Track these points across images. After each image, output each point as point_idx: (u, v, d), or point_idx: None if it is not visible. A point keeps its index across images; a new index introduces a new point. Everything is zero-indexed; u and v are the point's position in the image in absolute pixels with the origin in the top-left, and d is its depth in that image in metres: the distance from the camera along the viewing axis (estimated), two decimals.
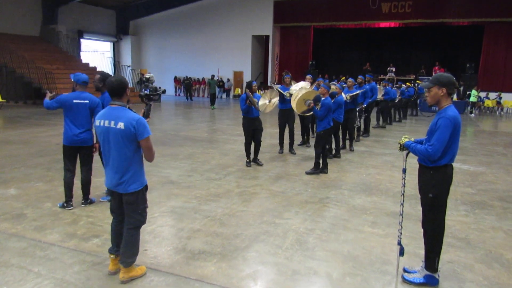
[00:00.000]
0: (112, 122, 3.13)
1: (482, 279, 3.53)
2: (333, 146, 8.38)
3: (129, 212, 3.30)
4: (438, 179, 3.22)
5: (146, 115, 3.86)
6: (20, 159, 7.68)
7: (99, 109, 5.06)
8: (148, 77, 5.50)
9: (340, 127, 8.57)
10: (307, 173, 7.05)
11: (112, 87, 3.20)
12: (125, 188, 3.21)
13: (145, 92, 4.07)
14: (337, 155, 8.43)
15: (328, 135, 7.16)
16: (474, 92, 20.16)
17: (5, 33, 21.63)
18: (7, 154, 8.13)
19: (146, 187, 3.37)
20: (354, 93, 9.13)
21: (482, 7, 21.55)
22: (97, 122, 3.24)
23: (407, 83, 17.81)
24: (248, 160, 7.63)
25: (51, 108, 4.95)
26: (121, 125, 3.10)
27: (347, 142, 9.42)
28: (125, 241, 3.33)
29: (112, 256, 3.45)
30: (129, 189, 3.22)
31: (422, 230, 3.44)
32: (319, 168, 7.09)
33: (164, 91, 5.72)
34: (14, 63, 19.44)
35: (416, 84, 17.27)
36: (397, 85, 15.58)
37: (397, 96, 13.74)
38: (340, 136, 8.80)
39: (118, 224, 3.44)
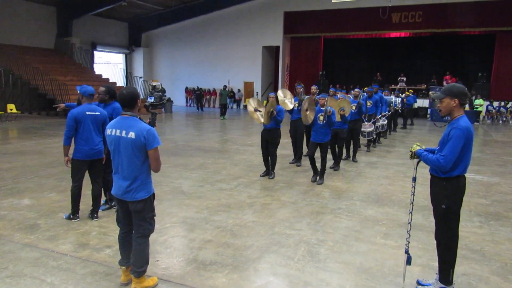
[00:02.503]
0: (124, 132, 3.20)
1: None
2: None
3: (137, 221, 3.33)
4: (451, 190, 3.19)
5: (152, 124, 3.87)
6: (34, 170, 7.79)
7: (107, 121, 5.12)
8: (154, 85, 5.50)
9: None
10: (319, 183, 7.04)
11: (124, 99, 3.26)
12: (133, 196, 3.25)
13: (150, 101, 4.05)
14: (335, 167, 8.29)
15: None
16: (479, 101, 19.80)
17: (20, 45, 22.10)
18: (22, 164, 8.25)
19: (153, 195, 3.39)
20: (357, 103, 9.06)
21: (493, 16, 21.40)
22: (108, 131, 3.30)
23: (406, 93, 17.62)
24: (264, 172, 7.63)
25: (72, 132, 4.85)
26: (132, 134, 3.17)
27: (351, 153, 9.38)
28: (134, 250, 3.34)
29: (123, 267, 3.47)
30: (136, 196, 3.25)
31: (435, 242, 3.40)
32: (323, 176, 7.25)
33: (168, 99, 5.70)
34: (28, 75, 19.81)
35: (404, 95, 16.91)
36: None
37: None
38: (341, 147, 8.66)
39: (125, 235, 3.46)
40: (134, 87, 3.50)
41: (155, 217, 3.42)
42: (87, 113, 4.90)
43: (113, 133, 3.26)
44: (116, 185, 3.33)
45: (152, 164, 3.28)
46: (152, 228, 3.40)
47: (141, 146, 3.18)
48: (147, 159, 3.26)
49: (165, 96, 4.98)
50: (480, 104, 19.85)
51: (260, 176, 7.56)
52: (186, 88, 29.94)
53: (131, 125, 3.20)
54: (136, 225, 3.34)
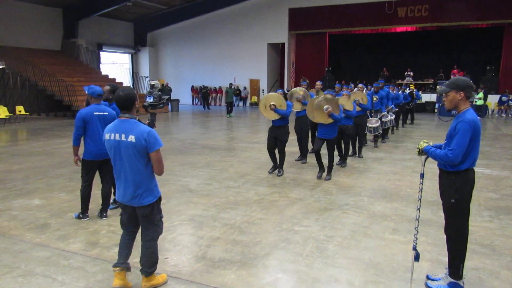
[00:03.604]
0: (123, 135, 3.07)
1: (510, 286, 3.44)
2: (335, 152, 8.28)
3: (145, 225, 3.27)
4: (460, 184, 3.17)
5: (151, 125, 3.73)
6: (43, 170, 7.87)
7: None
8: (153, 83, 5.35)
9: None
10: (326, 179, 7.04)
11: (121, 100, 3.13)
12: (140, 201, 3.16)
13: (149, 101, 3.88)
14: (342, 164, 8.22)
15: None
16: (479, 95, 19.48)
17: (28, 47, 22.30)
18: (31, 165, 8.33)
19: (160, 198, 3.31)
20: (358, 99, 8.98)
21: (500, 9, 21.13)
22: (106, 136, 3.16)
23: (411, 86, 17.40)
24: (271, 167, 7.63)
25: (80, 133, 4.89)
26: (132, 138, 3.04)
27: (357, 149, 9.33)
28: (144, 253, 3.30)
29: (117, 269, 3.32)
30: (144, 202, 3.16)
31: (445, 237, 3.38)
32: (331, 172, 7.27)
33: (169, 99, 5.50)
34: (36, 77, 19.99)
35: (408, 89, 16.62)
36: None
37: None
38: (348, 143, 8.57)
39: (128, 237, 3.40)
40: (131, 88, 3.31)
41: (162, 219, 3.38)
42: (95, 113, 4.92)
43: (112, 138, 3.12)
44: (120, 191, 3.23)
45: (155, 167, 3.16)
46: (160, 230, 3.35)
47: (143, 149, 3.07)
48: (150, 162, 3.15)
49: (166, 95, 4.80)
50: (480, 97, 19.53)
51: (269, 172, 7.56)
52: (192, 86, 30.00)
53: (131, 128, 3.07)
54: (144, 229, 3.28)
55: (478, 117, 3.19)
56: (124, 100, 3.12)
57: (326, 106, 6.81)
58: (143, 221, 3.25)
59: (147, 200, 3.17)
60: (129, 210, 3.27)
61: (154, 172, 3.20)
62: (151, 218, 3.24)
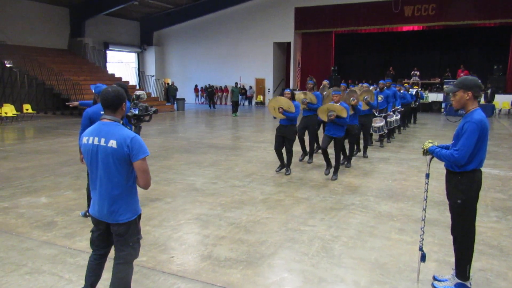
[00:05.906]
0: (103, 140, 2.66)
1: None
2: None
3: (119, 245, 2.82)
4: (466, 184, 3.14)
5: None
6: (50, 168, 7.92)
7: (125, 119, 5.15)
8: (138, 94, 5.03)
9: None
10: (333, 179, 7.02)
11: (107, 99, 2.73)
12: (116, 218, 2.74)
13: (134, 112, 3.66)
14: (347, 164, 8.14)
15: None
16: None
17: (35, 46, 22.46)
18: (38, 163, 8.39)
19: (139, 216, 2.89)
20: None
21: (508, 8, 20.95)
22: (84, 140, 2.76)
23: (415, 86, 17.29)
24: (279, 166, 7.64)
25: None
26: (113, 143, 2.63)
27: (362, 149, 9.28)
28: (113, 277, 2.84)
29: None
30: (120, 219, 2.74)
31: (452, 237, 3.36)
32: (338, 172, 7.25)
33: (156, 111, 5.08)
34: (43, 76, 20.11)
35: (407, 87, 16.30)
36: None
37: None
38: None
39: (97, 259, 2.95)
40: (121, 89, 2.98)
41: (140, 240, 2.93)
42: (102, 112, 4.91)
43: (89, 142, 2.72)
44: (95, 205, 2.80)
45: (139, 178, 2.72)
46: (136, 253, 2.88)
47: (124, 158, 2.65)
48: (132, 174, 2.73)
49: (152, 107, 4.62)
50: None
51: (276, 171, 7.55)
52: (196, 86, 30.05)
53: (112, 132, 2.67)
54: (118, 250, 2.84)
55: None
56: (111, 98, 2.73)
57: (330, 112, 6.82)
58: (116, 241, 2.83)
59: (124, 217, 2.75)
60: (102, 227, 2.84)
61: (138, 185, 2.78)
62: (126, 238, 2.80)
